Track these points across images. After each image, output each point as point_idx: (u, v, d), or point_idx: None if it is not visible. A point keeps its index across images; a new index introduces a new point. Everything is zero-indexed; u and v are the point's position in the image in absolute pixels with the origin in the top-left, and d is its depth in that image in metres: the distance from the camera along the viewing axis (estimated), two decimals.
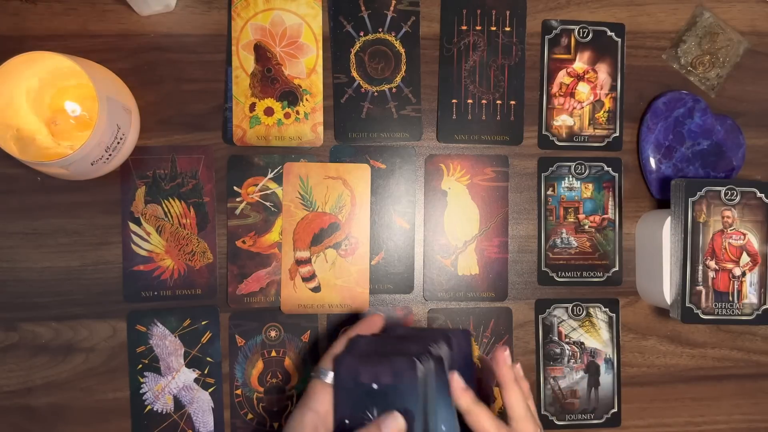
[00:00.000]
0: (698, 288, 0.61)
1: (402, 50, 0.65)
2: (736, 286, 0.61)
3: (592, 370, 0.66)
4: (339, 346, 0.50)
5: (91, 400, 0.61)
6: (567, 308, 0.67)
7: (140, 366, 0.62)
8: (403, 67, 0.65)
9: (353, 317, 0.64)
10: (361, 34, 0.64)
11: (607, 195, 0.67)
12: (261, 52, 0.63)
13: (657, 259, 0.63)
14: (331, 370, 0.48)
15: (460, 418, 0.48)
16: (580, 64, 0.67)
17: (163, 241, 0.62)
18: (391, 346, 0.48)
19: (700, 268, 0.61)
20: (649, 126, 0.67)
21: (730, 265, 0.61)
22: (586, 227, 0.67)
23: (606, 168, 0.67)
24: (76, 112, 0.58)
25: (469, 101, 0.66)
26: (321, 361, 0.50)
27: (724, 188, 0.61)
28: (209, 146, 0.63)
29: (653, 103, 0.67)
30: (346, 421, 0.47)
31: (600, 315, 0.67)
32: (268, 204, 0.63)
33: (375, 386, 0.46)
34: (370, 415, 0.46)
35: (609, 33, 0.67)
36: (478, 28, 0.66)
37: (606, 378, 0.67)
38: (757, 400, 0.69)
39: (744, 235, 0.61)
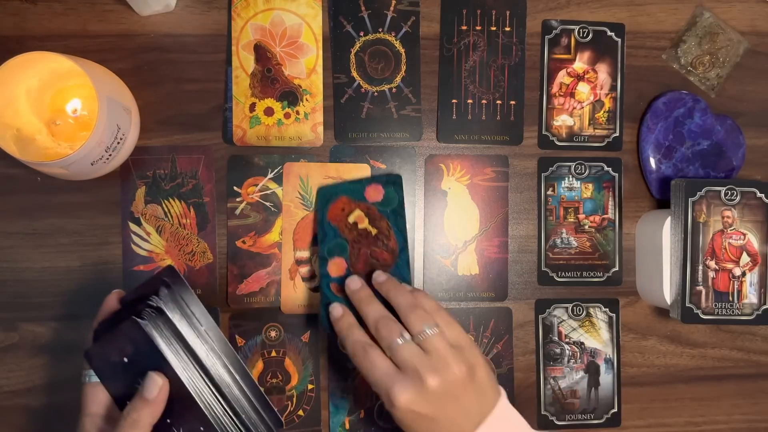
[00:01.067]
0: (698, 288, 0.61)
1: (402, 50, 0.65)
2: (736, 286, 0.61)
3: (592, 370, 0.67)
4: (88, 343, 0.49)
5: None
6: (567, 308, 0.67)
7: None
8: (403, 67, 0.65)
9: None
10: (361, 34, 0.64)
11: (607, 195, 0.67)
12: (261, 52, 0.63)
13: (657, 259, 0.63)
14: (91, 368, 0.48)
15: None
16: (580, 64, 0.67)
17: (163, 241, 0.62)
18: (125, 316, 0.48)
19: (700, 268, 0.61)
20: (649, 126, 0.67)
21: (730, 265, 0.61)
22: (586, 227, 0.67)
23: (606, 168, 0.67)
24: (76, 112, 0.58)
25: (469, 101, 0.66)
26: (84, 365, 0.49)
27: (724, 188, 0.61)
28: (209, 146, 0.63)
29: (653, 103, 0.67)
30: (128, 402, 0.47)
31: (600, 315, 0.67)
32: (268, 204, 0.63)
33: (125, 360, 0.46)
34: (138, 385, 0.46)
35: (609, 33, 0.67)
36: (478, 28, 0.66)
37: (606, 378, 0.67)
38: (757, 400, 0.69)
39: (744, 235, 0.61)
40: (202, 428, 0.46)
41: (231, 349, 0.48)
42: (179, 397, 0.46)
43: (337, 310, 0.54)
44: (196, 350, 0.47)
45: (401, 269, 0.60)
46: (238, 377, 0.48)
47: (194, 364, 0.47)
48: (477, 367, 0.49)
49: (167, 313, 0.47)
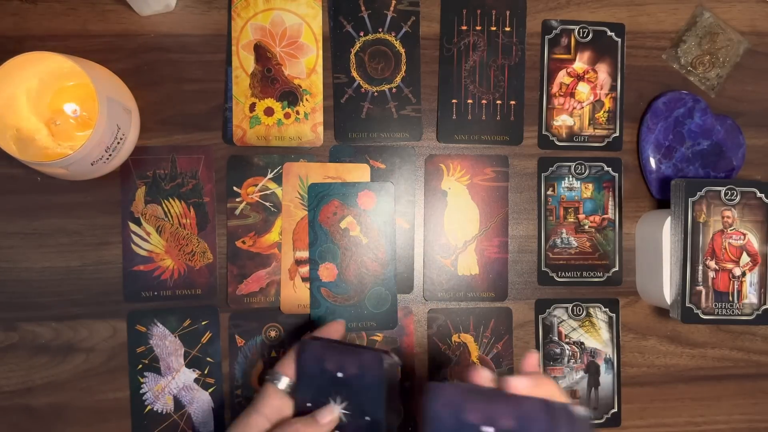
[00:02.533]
0: (698, 288, 0.61)
1: (402, 50, 0.65)
2: (736, 286, 0.61)
3: (592, 370, 0.66)
4: (294, 350, 0.50)
5: (91, 400, 0.61)
6: (567, 308, 0.67)
7: (140, 366, 0.62)
8: (403, 67, 0.65)
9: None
10: (361, 34, 0.64)
11: (607, 195, 0.67)
12: (261, 52, 0.63)
13: (657, 259, 0.63)
14: (285, 375, 0.49)
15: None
16: (580, 64, 0.67)
17: (163, 241, 0.62)
18: (348, 347, 0.49)
19: (700, 268, 0.61)
20: (649, 126, 0.67)
21: (730, 265, 0.61)
22: (586, 227, 0.67)
23: (606, 168, 0.67)
24: (76, 112, 0.58)
25: (469, 101, 0.66)
26: (277, 364, 0.50)
27: (724, 188, 0.61)
28: (209, 146, 0.63)
29: (653, 103, 0.67)
30: (308, 404, 0.48)
31: (600, 315, 0.67)
32: (267, 204, 0.63)
33: (340, 375, 0.47)
34: (332, 401, 0.48)
35: (609, 33, 0.67)
36: (478, 28, 0.66)
37: (606, 378, 0.67)
38: (757, 400, 0.69)
39: (744, 235, 0.61)
40: None
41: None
42: None
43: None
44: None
45: (388, 282, 0.61)
46: None
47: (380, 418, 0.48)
48: None
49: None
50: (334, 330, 0.54)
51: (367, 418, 0.47)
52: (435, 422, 0.39)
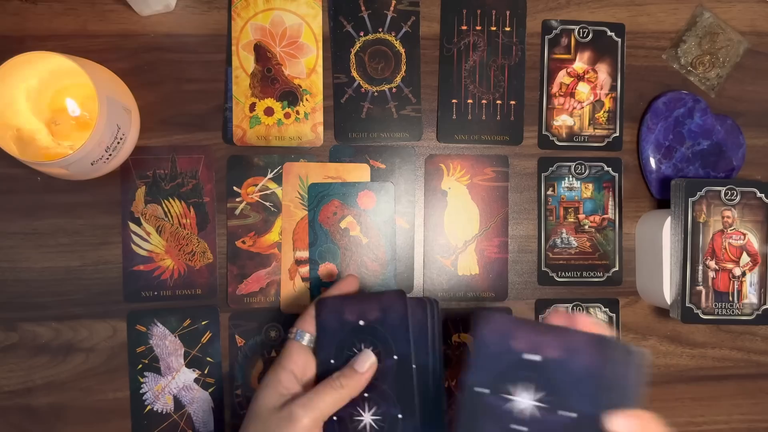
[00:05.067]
0: (698, 288, 0.61)
1: (402, 50, 0.65)
2: (736, 286, 0.61)
3: None
4: (312, 308, 0.51)
5: (91, 400, 0.61)
6: (567, 308, 0.67)
7: (140, 366, 0.62)
8: (403, 67, 0.65)
9: None
10: (361, 34, 0.64)
11: (607, 195, 0.67)
12: (261, 52, 0.63)
13: (657, 259, 0.63)
14: (307, 331, 0.49)
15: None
16: (580, 64, 0.67)
17: (163, 241, 0.62)
18: (366, 294, 0.49)
19: (700, 268, 0.61)
20: (649, 126, 0.67)
21: (730, 265, 0.61)
22: (586, 227, 0.67)
23: (606, 168, 0.67)
24: (76, 112, 0.58)
25: (469, 101, 0.66)
26: (297, 322, 0.51)
27: (724, 188, 0.61)
28: (209, 146, 0.63)
29: (653, 103, 0.67)
30: (332, 361, 0.48)
31: (600, 315, 0.67)
32: (267, 204, 0.63)
33: (362, 323, 0.47)
34: (356, 351, 0.47)
35: (609, 33, 0.67)
36: (478, 28, 0.66)
37: None
38: (757, 400, 0.69)
39: (744, 235, 0.61)
40: (400, 416, 0.47)
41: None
42: (398, 378, 0.46)
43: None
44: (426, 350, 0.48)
45: (388, 282, 0.61)
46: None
47: (416, 358, 0.47)
48: None
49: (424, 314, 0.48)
50: (348, 285, 0.53)
51: (395, 357, 0.46)
52: (481, 347, 0.40)
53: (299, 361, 0.49)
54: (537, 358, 0.38)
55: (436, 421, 0.49)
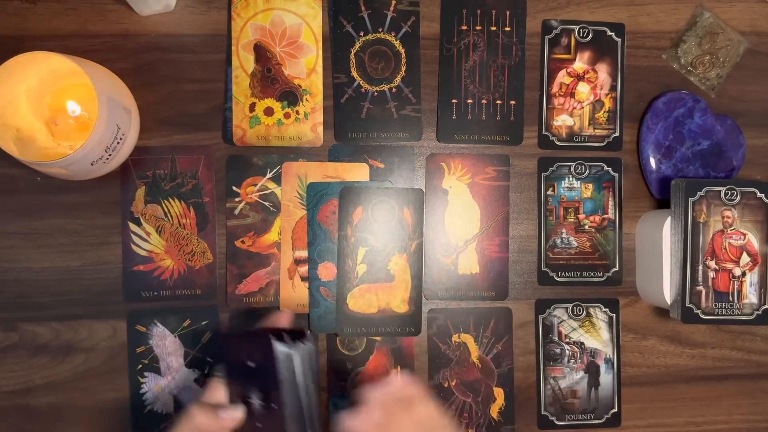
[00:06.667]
0: (698, 288, 0.61)
1: (402, 50, 0.65)
2: (736, 286, 0.61)
3: (592, 370, 0.66)
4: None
5: (91, 400, 0.61)
6: (567, 308, 0.67)
7: (140, 366, 0.62)
8: (403, 67, 0.65)
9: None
10: (361, 34, 0.64)
11: (607, 195, 0.67)
12: (261, 52, 0.63)
13: (657, 259, 0.63)
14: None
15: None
16: (580, 64, 0.67)
17: (163, 241, 0.62)
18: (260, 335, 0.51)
19: (700, 268, 0.61)
20: (649, 126, 0.67)
21: (730, 265, 0.61)
22: (586, 227, 0.67)
23: (606, 168, 0.67)
24: (76, 112, 0.58)
25: (469, 101, 0.66)
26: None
27: (724, 188, 0.61)
28: (209, 146, 0.63)
29: (653, 103, 0.67)
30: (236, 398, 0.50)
31: (600, 315, 0.67)
32: (267, 204, 0.63)
33: (251, 364, 0.49)
34: (245, 397, 0.50)
35: (609, 33, 0.67)
36: (478, 28, 0.66)
37: (606, 378, 0.67)
38: (757, 400, 0.69)
39: (744, 235, 0.61)
40: None
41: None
42: (272, 416, 0.49)
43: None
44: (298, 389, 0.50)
45: None
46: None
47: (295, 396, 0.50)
48: None
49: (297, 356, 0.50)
50: (282, 321, 0.54)
51: (273, 405, 0.48)
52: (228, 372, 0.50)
53: (215, 395, 0.51)
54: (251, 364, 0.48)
55: None
